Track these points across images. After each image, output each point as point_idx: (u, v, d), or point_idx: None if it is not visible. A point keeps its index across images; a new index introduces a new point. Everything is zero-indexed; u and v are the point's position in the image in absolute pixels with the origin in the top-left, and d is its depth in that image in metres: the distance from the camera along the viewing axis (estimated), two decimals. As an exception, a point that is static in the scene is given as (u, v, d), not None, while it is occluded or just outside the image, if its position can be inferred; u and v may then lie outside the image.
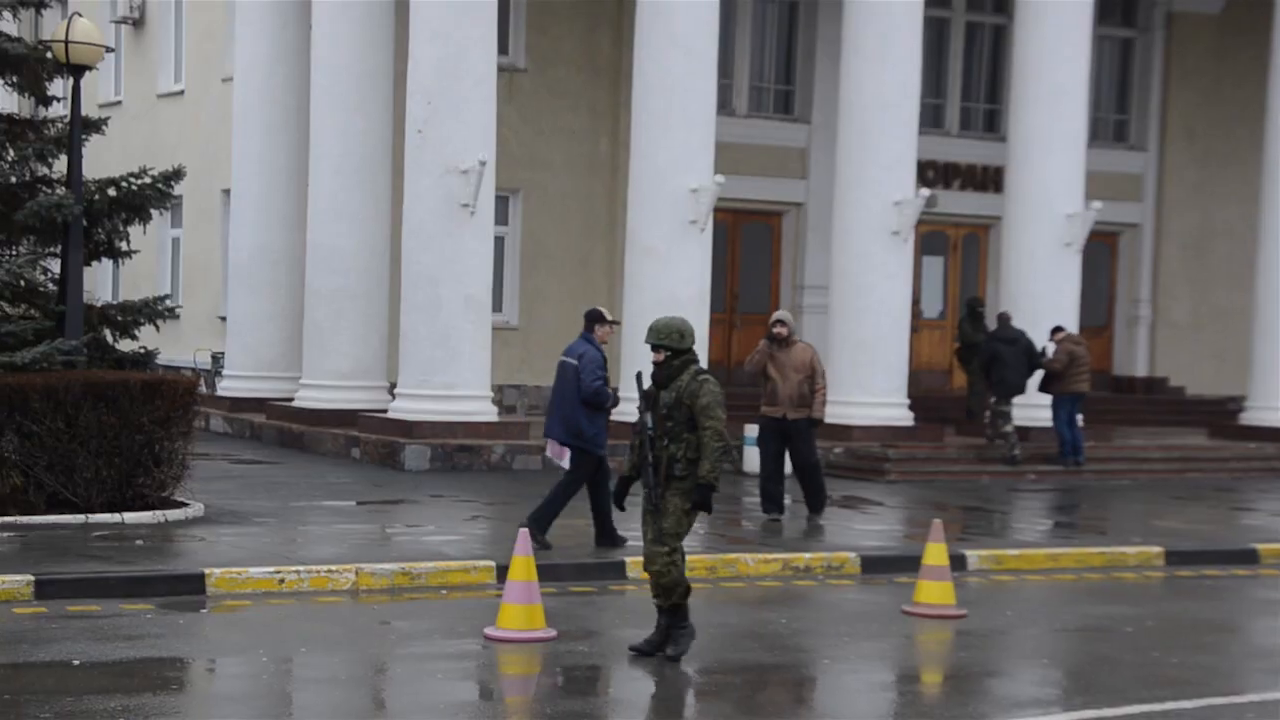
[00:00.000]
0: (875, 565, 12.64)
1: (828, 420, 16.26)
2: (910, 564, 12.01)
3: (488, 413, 18.51)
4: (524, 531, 9.81)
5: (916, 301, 22.76)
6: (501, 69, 19.28)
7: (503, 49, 20.61)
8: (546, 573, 10.31)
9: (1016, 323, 19.98)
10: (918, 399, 20.63)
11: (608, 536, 12.54)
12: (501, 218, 21.58)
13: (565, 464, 12.41)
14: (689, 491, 8.83)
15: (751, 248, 24.08)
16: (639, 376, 9.10)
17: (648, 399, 8.96)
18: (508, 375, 21.77)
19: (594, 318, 12.59)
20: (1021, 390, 19.63)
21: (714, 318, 20.46)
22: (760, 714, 8.11)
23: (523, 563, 9.57)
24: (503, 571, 10.78)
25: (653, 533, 8.90)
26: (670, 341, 8.91)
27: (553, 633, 9.51)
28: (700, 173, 18.63)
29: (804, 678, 9.24)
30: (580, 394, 12.21)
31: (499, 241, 21.13)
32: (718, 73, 19.03)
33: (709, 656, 9.50)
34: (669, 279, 18.65)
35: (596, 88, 22.76)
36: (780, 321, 14.99)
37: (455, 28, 17.78)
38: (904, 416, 20.00)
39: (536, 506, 12.45)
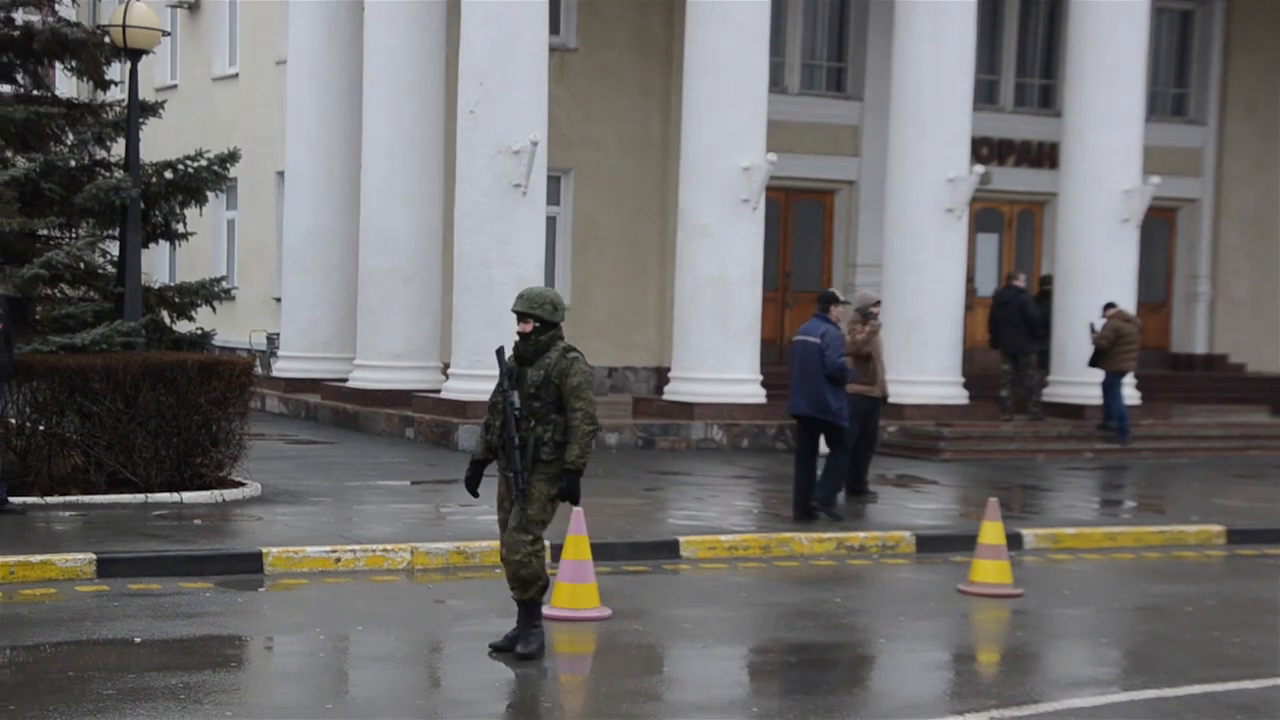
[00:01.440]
0: (930, 544, 12.58)
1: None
2: (966, 543, 11.95)
3: (541, 393, 18.50)
4: (577, 510, 9.82)
5: (970, 279, 22.59)
6: (553, 49, 19.27)
7: (554, 29, 20.58)
8: (600, 552, 10.32)
9: (1077, 298, 19.95)
10: (972, 377, 20.51)
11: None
12: (553, 198, 21.60)
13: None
14: (555, 477, 8.26)
15: (804, 226, 23.98)
16: (500, 351, 8.35)
17: (510, 375, 8.29)
18: (560, 355, 21.76)
19: (829, 299, 13.36)
20: (1023, 351, 19.79)
21: (766, 296, 20.39)
22: (816, 693, 8.09)
23: (577, 542, 9.59)
24: (556, 550, 10.80)
25: (515, 520, 8.30)
26: (541, 312, 8.23)
27: (607, 611, 9.53)
28: (752, 151, 18.57)
29: (860, 657, 9.20)
30: (824, 370, 12.95)
31: (550, 222, 21.14)
32: (769, 50, 18.94)
33: (764, 635, 9.50)
34: (721, 258, 18.63)
35: (648, 68, 22.70)
36: (878, 302, 15.19)
37: (507, 9, 17.77)
38: (958, 395, 19.90)
39: (818, 484, 13.29)
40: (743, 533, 12.48)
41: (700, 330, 18.85)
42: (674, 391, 19.26)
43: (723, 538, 12.20)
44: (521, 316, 8.25)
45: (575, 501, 8.40)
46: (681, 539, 12.02)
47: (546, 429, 8.23)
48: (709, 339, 18.82)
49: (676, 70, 20.72)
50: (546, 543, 8.49)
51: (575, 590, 9.50)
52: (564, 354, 8.25)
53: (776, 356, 22.27)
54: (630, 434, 18.76)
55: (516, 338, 8.31)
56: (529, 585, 8.36)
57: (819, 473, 13.47)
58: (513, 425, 8.19)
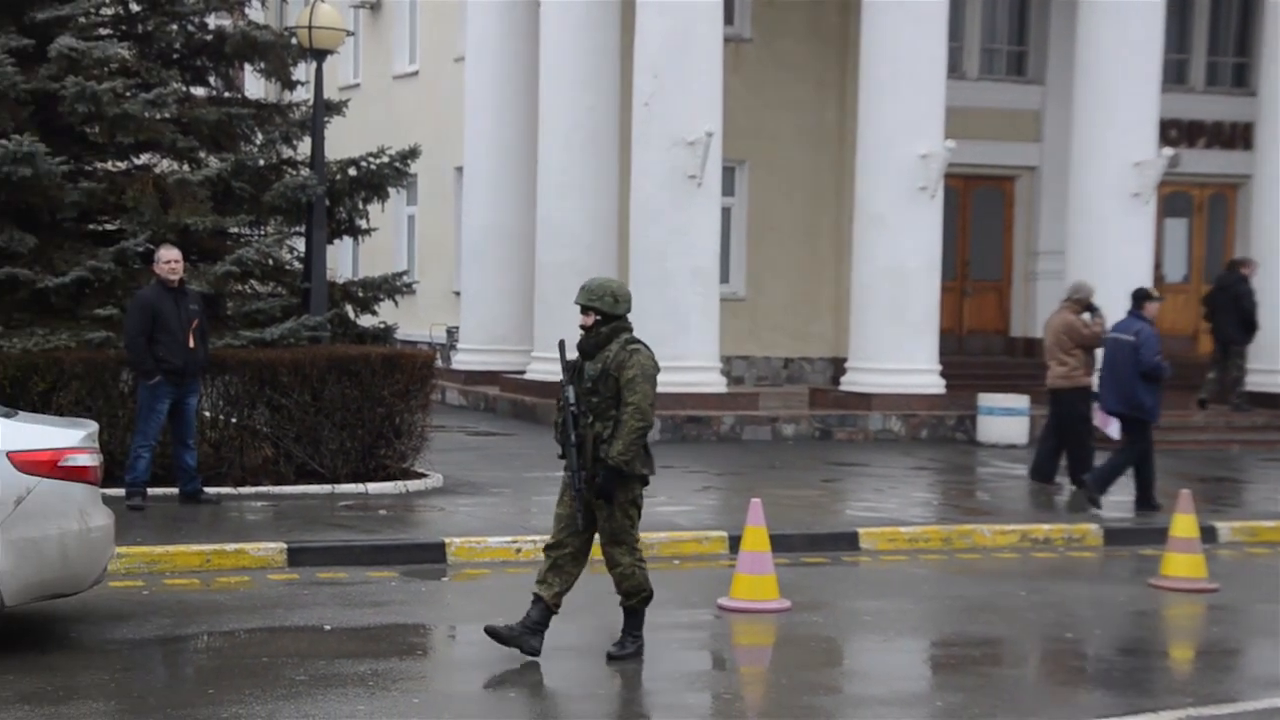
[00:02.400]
0: (1118, 537, 12.26)
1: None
2: (1156, 536, 11.61)
3: (716, 384, 18.53)
4: (756, 502, 9.78)
5: (1158, 266, 21.94)
6: (727, 40, 19.20)
7: (728, 20, 20.53)
8: (779, 543, 10.26)
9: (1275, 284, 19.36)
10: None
11: (1148, 503, 13.31)
12: (728, 189, 21.53)
13: (1112, 433, 13.64)
14: (625, 482, 7.84)
15: (983, 214, 23.53)
16: (561, 345, 7.97)
17: (571, 370, 7.94)
18: (735, 347, 21.73)
19: (1143, 295, 13.56)
20: (1233, 340, 19.32)
21: (945, 285, 20.07)
22: (1002, 688, 7.92)
23: (756, 533, 9.55)
24: (735, 542, 10.77)
25: (605, 534, 7.95)
26: (602, 304, 7.88)
27: (787, 603, 9.47)
28: (930, 138, 18.30)
29: (1045, 651, 9.00)
30: (1139, 368, 13.06)
31: (725, 213, 21.07)
32: (947, 35, 18.63)
33: (947, 629, 9.35)
34: (898, 247, 18.40)
35: (823, 57, 22.51)
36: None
37: (682, 1, 17.78)
38: (1146, 385, 19.34)
39: (1099, 467, 13.51)
40: (923, 524, 12.31)
41: (877, 320, 18.64)
42: (851, 382, 19.08)
43: (903, 529, 12.04)
44: (583, 309, 7.91)
45: (610, 500, 7.85)
46: (860, 530, 11.90)
47: (606, 425, 7.79)
48: (886, 329, 18.60)
49: (852, 58, 20.51)
50: (643, 554, 8.11)
51: (754, 582, 9.46)
52: (624, 346, 7.87)
53: (955, 346, 21.93)
54: (807, 425, 18.63)
55: (580, 331, 7.97)
56: (631, 595, 8.10)
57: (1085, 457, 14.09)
58: (570, 422, 7.81)
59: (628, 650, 8.09)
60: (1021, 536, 12.12)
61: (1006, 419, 18.35)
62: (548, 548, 8.10)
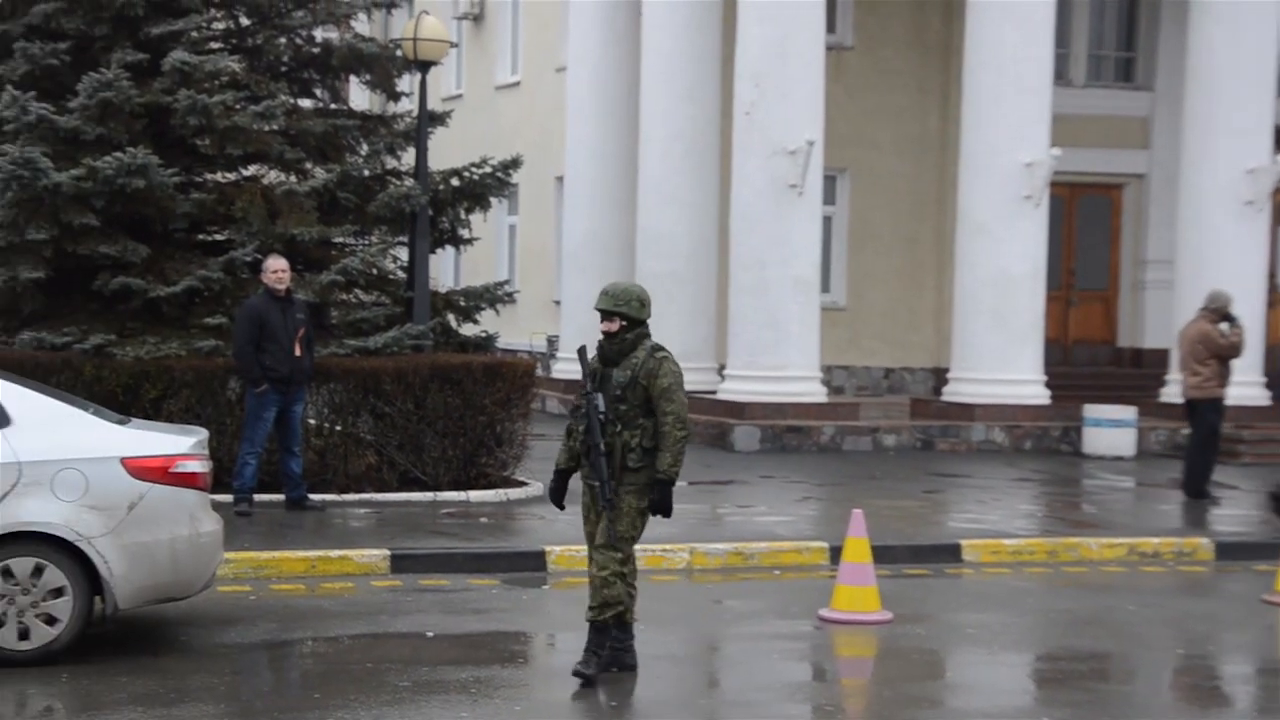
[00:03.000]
0: (1231, 551, 12.01)
1: (1181, 400, 15.50)
2: (1270, 551, 11.38)
3: (817, 393, 18.44)
4: (857, 513, 9.72)
5: (1273, 275, 21.47)
6: (829, 48, 19.13)
7: (830, 28, 20.43)
8: (880, 554, 10.18)
9: None
10: (1275, 376, 19.52)
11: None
12: (829, 197, 21.44)
13: None
14: (644, 488, 7.59)
15: (1089, 222, 23.19)
16: (582, 351, 7.71)
17: (594, 377, 7.65)
18: (836, 356, 21.62)
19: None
20: None
21: (1049, 295, 19.80)
22: (1109, 703, 7.79)
23: (857, 544, 9.49)
24: (835, 552, 10.70)
25: (603, 535, 7.63)
26: (628, 310, 7.58)
27: (888, 615, 9.39)
28: (1035, 146, 18.10)
29: (1156, 668, 8.82)
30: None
31: (826, 221, 20.98)
32: (1053, 42, 18.40)
33: (1053, 643, 9.21)
34: (1002, 256, 18.21)
35: (925, 64, 22.34)
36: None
37: (783, 9, 17.75)
38: (1259, 396, 18.96)
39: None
40: (1027, 537, 12.15)
41: (980, 330, 18.44)
42: (953, 392, 18.89)
43: (1006, 541, 11.89)
44: (606, 314, 7.61)
45: (667, 514, 7.64)
46: (963, 542, 11.78)
47: (634, 434, 7.57)
48: (989, 339, 18.40)
49: (955, 65, 20.33)
50: (636, 564, 7.87)
51: (856, 593, 9.39)
52: (652, 353, 7.59)
53: (1060, 356, 21.62)
54: (908, 435, 18.48)
55: (600, 337, 7.70)
56: (607, 607, 7.67)
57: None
58: (598, 431, 7.54)
59: (592, 669, 7.68)
60: (1129, 550, 11.92)
61: (1114, 431, 18.07)
62: (590, 574, 7.78)
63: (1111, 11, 23.25)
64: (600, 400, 7.54)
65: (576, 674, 7.70)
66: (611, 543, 7.63)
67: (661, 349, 7.59)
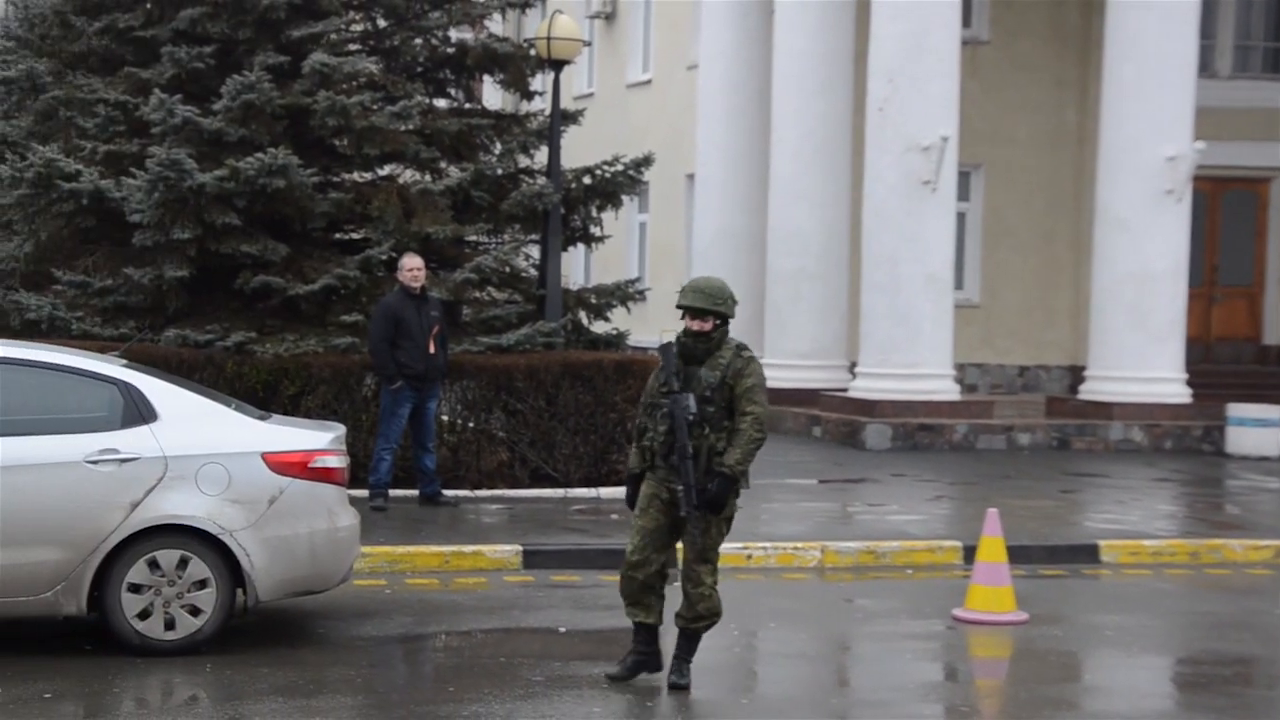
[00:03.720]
0: (1381, 557, 11.63)
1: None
2: None
3: (949, 391, 18.24)
4: (992, 512, 9.59)
5: None
6: (964, 42, 18.89)
7: (965, 22, 20.18)
8: (1015, 554, 10.03)
9: None
10: None
11: None
12: (963, 194, 21.16)
13: None
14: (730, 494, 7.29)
15: (1234, 217, 22.61)
16: (667, 347, 7.36)
17: (679, 376, 7.31)
18: (969, 354, 21.35)
19: None
20: None
21: (1191, 292, 19.36)
22: (1255, 708, 7.59)
23: (992, 544, 9.37)
24: (969, 552, 10.59)
25: (692, 550, 7.34)
26: (725, 309, 7.28)
27: (1024, 616, 9.26)
28: (1177, 140, 17.72)
29: (1301, 675, 8.60)
30: None
31: (960, 218, 20.73)
32: (1198, 33, 17.99)
33: (1195, 646, 9.02)
34: (1142, 252, 17.86)
35: (1063, 58, 21.95)
36: None
37: (917, 5, 17.59)
38: None
39: None
40: (1168, 538, 11.90)
41: (1119, 327, 18.10)
42: (1090, 391, 18.56)
43: (1146, 542, 11.66)
44: (699, 313, 7.29)
45: (718, 510, 7.29)
46: (1101, 543, 11.57)
47: (719, 437, 7.25)
48: (1128, 336, 18.05)
49: (1094, 59, 19.98)
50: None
51: (991, 593, 9.28)
52: (738, 353, 7.30)
53: (1202, 354, 21.12)
54: (1044, 434, 18.19)
55: (684, 336, 7.37)
56: (702, 618, 7.47)
57: None
58: (685, 432, 7.20)
59: (687, 678, 7.50)
60: (1276, 553, 11.62)
61: (1259, 430, 17.63)
62: (631, 567, 7.44)
63: (1259, 1, 22.63)
64: (691, 401, 7.23)
65: (673, 687, 7.50)
66: (703, 555, 7.38)
67: (746, 348, 7.36)
